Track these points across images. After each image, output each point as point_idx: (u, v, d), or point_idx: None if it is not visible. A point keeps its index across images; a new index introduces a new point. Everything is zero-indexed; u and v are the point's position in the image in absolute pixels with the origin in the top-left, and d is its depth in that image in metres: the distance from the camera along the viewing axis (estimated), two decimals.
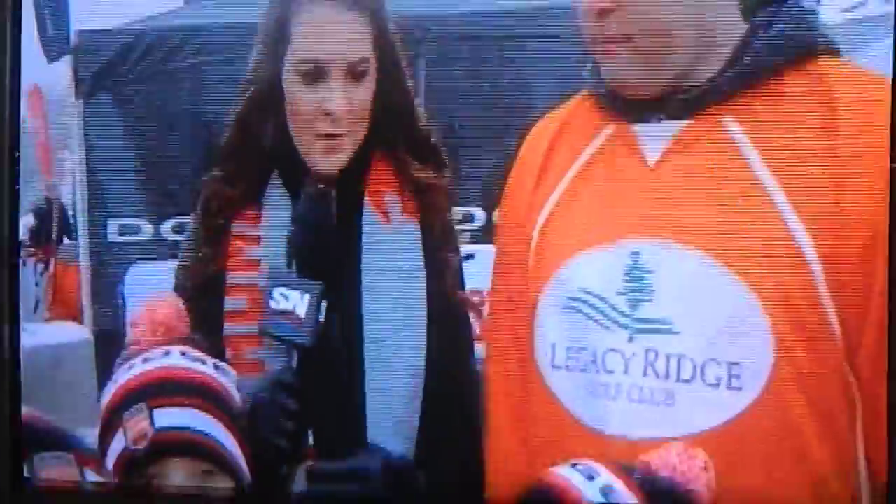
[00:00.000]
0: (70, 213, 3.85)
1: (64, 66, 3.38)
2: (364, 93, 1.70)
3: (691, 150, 1.51)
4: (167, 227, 3.10)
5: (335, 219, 1.71)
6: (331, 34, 1.67)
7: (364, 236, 1.73)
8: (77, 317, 3.33)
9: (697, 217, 1.49)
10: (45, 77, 3.71)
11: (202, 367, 1.51)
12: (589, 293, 1.54)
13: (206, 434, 1.46)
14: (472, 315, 1.78)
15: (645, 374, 1.49)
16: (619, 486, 1.39)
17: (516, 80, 2.00)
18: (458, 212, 2.27)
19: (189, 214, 3.03)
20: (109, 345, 3.04)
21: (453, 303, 1.76)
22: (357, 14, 1.70)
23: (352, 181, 1.72)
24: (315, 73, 1.69)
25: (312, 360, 1.63)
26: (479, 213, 2.22)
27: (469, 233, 2.26)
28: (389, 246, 1.74)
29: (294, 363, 1.63)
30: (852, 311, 1.41)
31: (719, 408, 1.44)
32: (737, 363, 1.44)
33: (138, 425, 1.43)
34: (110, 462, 1.44)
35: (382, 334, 1.70)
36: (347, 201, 1.72)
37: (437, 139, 1.79)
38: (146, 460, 1.43)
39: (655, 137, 1.53)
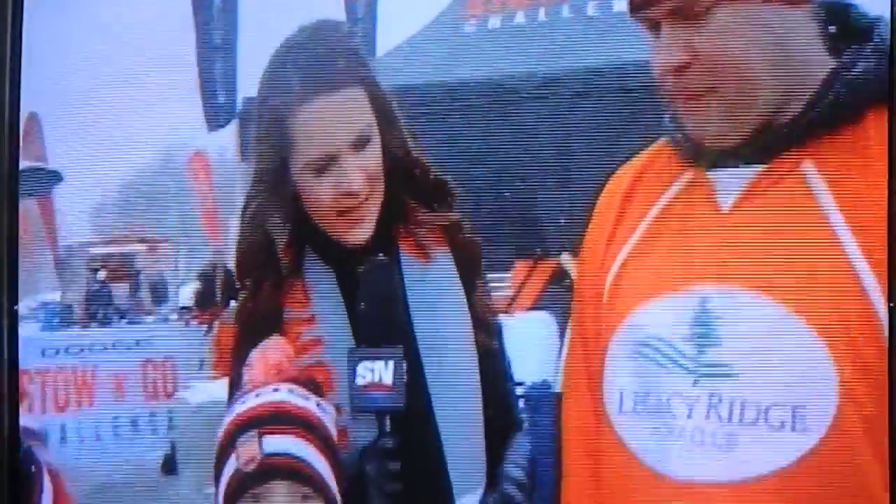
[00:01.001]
0: (229, 274, 4.15)
1: (229, 133, 3.66)
2: (372, 154, 1.76)
3: (766, 195, 1.52)
4: None
5: (401, 284, 1.79)
6: (331, 121, 1.71)
7: (406, 280, 1.80)
8: None
9: (766, 263, 1.49)
10: (210, 144, 4.01)
11: (306, 403, 1.65)
12: (657, 339, 1.55)
13: (307, 461, 1.60)
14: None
15: (707, 418, 1.49)
16: None
17: (594, 132, 2.08)
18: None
19: None
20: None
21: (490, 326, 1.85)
22: (350, 88, 1.75)
23: (384, 237, 1.80)
24: (325, 163, 1.73)
25: (402, 421, 1.72)
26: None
27: None
28: (432, 279, 1.82)
29: (388, 427, 1.70)
30: None
31: (784, 450, 1.43)
32: (802, 406, 1.43)
33: (249, 450, 1.58)
34: (223, 483, 1.59)
35: (441, 372, 1.78)
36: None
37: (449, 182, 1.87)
38: (253, 481, 1.57)
39: (731, 182, 1.55)
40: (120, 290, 4.55)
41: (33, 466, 1.73)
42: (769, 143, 1.51)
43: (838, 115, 1.48)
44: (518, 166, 2.56)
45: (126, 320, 4.29)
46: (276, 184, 1.77)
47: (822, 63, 1.51)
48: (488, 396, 1.80)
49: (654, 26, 1.52)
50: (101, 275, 4.44)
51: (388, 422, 1.69)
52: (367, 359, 1.69)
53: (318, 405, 1.67)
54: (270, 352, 1.72)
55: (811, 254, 1.46)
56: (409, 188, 1.82)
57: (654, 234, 1.62)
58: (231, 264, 4.22)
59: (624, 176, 1.71)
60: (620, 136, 1.97)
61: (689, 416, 1.50)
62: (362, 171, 1.73)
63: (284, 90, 1.71)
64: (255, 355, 1.72)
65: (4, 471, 1.73)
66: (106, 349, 3.80)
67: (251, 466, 1.57)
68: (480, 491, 1.77)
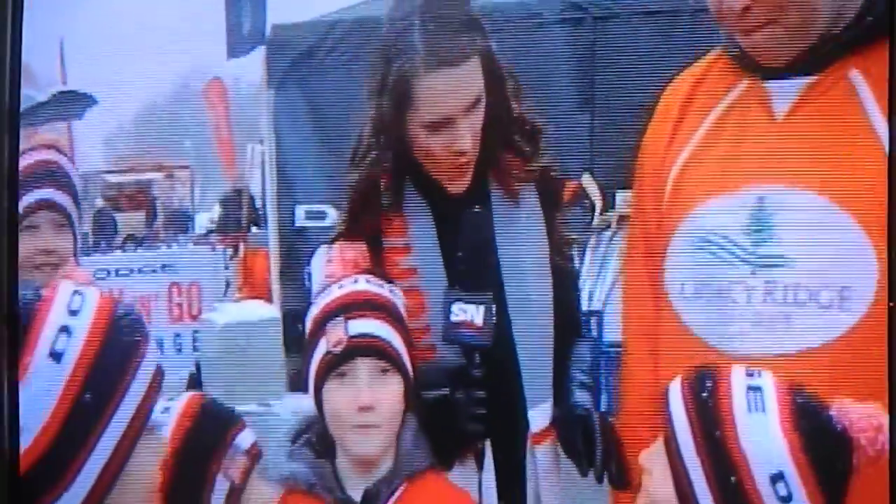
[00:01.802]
0: (258, 201, 4.34)
1: (252, 60, 3.81)
2: (479, 117, 1.99)
3: (817, 103, 1.76)
4: None
5: (492, 230, 2.04)
6: (451, 91, 1.91)
7: (496, 222, 2.06)
8: (266, 297, 3.77)
9: (816, 164, 1.74)
10: (226, 71, 4.14)
11: (381, 290, 1.94)
12: (717, 234, 1.81)
13: (385, 339, 1.89)
14: None
15: (764, 302, 1.75)
16: (770, 392, 1.57)
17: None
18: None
19: None
20: (297, 321, 3.45)
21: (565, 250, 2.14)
22: (468, 62, 1.95)
23: (480, 184, 2.06)
24: (440, 124, 1.95)
25: (489, 355, 1.99)
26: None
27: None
28: (518, 217, 2.08)
29: (476, 360, 1.97)
30: None
31: (832, 327, 1.69)
32: (847, 288, 1.69)
33: (336, 334, 1.86)
34: (313, 366, 1.88)
35: (522, 300, 2.05)
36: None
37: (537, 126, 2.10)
38: (340, 361, 1.86)
39: (785, 92, 1.78)
40: (136, 218, 4.70)
41: None
42: (820, 55, 1.75)
43: (881, 28, 1.71)
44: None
45: (143, 248, 4.44)
46: (390, 134, 1.99)
47: None
48: (559, 315, 2.08)
49: None
50: (99, 202, 4.56)
51: (476, 356, 1.96)
52: (462, 300, 1.95)
53: (391, 291, 1.96)
54: (347, 250, 2.02)
55: (856, 155, 1.71)
56: (504, 139, 2.05)
57: (713, 137, 1.86)
58: (253, 189, 4.43)
59: (683, 82, 1.95)
60: (674, 49, 2.18)
61: (748, 302, 1.76)
62: (472, 131, 1.96)
63: (410, 55, 1.91)
64: (334, 253, 2.03)
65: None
66: (132, 273, 3.95)
67: (339, 348, 1.85)
68: (550, 401, 2.07)
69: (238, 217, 4.37)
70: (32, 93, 3.25)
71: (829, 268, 1.70)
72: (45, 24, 2.09)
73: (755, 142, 1.80)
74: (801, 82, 1.77)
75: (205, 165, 4.58)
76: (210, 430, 1.69)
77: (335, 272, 1.99)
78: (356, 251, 2.01)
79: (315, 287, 2.05)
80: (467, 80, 1.94)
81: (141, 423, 1.46)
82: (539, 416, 2.05)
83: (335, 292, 1.91)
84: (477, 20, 1.98)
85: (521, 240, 2.06)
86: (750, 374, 1.60)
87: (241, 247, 4.24)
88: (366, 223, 2.05)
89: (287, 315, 3.38)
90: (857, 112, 1.71)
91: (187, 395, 1.74)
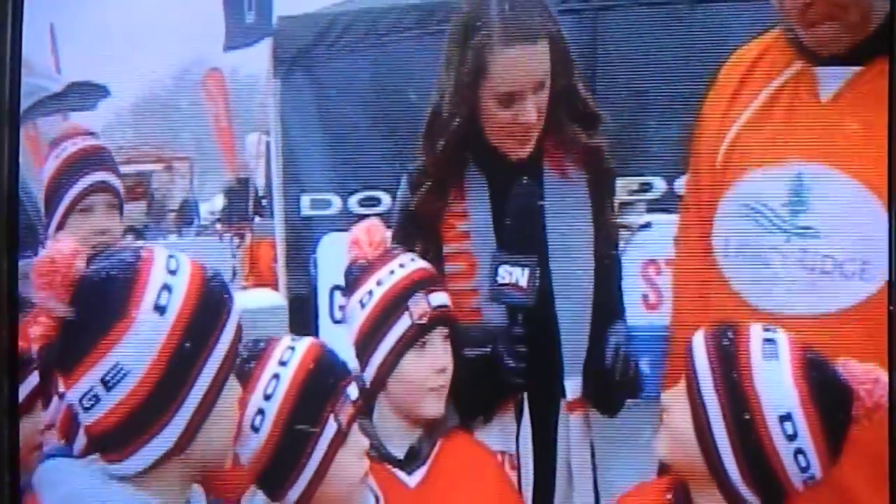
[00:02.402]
0: (262, 190, 4.47)
1: (255, 51, 3.93)
2: (545, 96, 2.18)
3: (860, 92, 2.00)
4: (354, 200, 3.63)
5: (542, 206, 2.23)
6: (523, 69, 2.12)
7: (546, 196, 2.25)
8: (272, 284, 3.90)
9: (852, 147, 1.99)
10: (225, 62, 4.25)
11: (427, 264, 2.20)
12: (759, 201, 2.06)
13: (450, 308, 2.16)
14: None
15: (795, 266, 2.01)
16: (783, 344, 1.82)
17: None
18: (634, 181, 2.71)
19: (376, 189, 3.56)
20: (303, 308, 3.58)
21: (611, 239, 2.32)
22: (539, 43, 2.15)
23: (538, 155, 2.25)
24: (510, 98, 2.15)
25: (532, 316, 2.18)
26: (659, 182, 2.63)
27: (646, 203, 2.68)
28: (568, 196, 2.27)
29: (519, 319, 2.17)
30: None
31: (852, 293, 1.96)
32: (868, 262, 1.95)
33: (421, 307, 2.10)
34: (391, 341, 2.10)
35: (565, 274, 2.25)
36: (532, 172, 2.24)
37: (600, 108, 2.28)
38: (424, 331, 2.10)
39: (832, 79, 2.03)
40: (137, 210, 4.81)
41: None
42: (867, 48, 2.00)
43: None
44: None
45: (145, 240, 4.55)
46: (465, 103, 2.18)
47: None
48: (598, 295, 2.26)
49: None
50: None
51: (519, 315, 2.16)
52: (508, 263, 2.16)
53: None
54: (373, 230, 2.22)
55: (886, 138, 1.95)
56: (567, 116, 2.23)
57: (764, 113, 2.11)
58: (257, 179, 4.55)
59: (742, 58, 2.19)
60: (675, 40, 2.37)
61: (782, 265, 2.02)
62: (538, 107, 2.15)
63: (489, 30, 2.12)
64: (359, 235, 2.21)
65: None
66: None
67: (424, 319, 2.09)
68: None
69: (242, 207, 4.52)
70: (47, 83, 3.40)
71: (854, 243, 1.96)
72: (43, 15, 2.24)
73: (800, 121, 2.06)
74: (848, 71, 2.02)
75: (205, 156, 4.70)
76: (329, 374, 1.90)
77: (362, 253, 2.19)
78: (381, 231, 2.22)
79: (344, 269, 2.23)
80: (537, 60, 2.14)
81: (227, 371, 1.63)
82: (574, 385, 2.24)
83: (399, 271, 2.14)
84: (546, 6, 2.18)
85: (568, 215, 2.25)
86: (767, 329, 1.84)
87: (248, 236, 4.39)
88: (438, 191, 2.26)
89: (293, 302, 3.54)
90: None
91: (309, 341, 1.94)
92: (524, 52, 2.13)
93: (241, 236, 4.40)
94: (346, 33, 3.72)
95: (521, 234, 2.19)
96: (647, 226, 2.50)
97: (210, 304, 1.61)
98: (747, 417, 1.77)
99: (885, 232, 1.92)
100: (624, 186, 2.46)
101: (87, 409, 1.57)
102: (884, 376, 1.78)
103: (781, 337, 1.82)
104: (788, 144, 2.05)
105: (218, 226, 4.59)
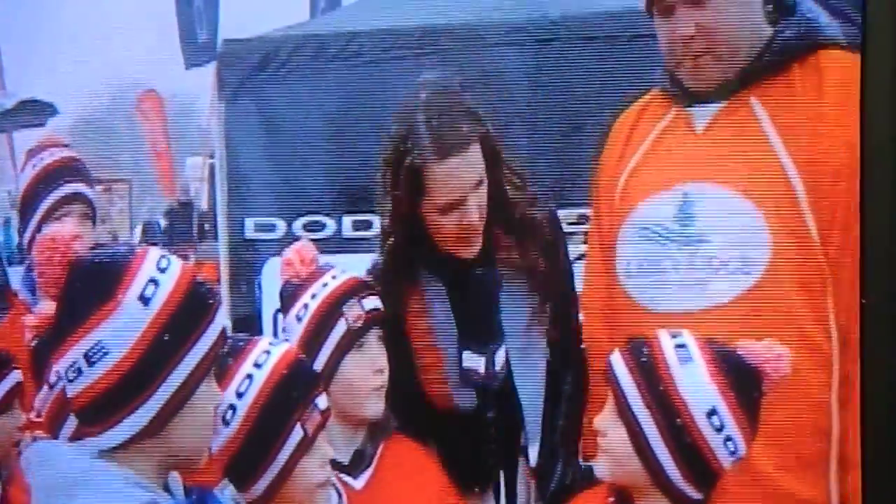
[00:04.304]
0: (205, 213, 4.66)
1: (198, 73, 4.11)
2: (484, 192, 2.44)
3: (727, 122, 2.56)
4: (299, 224, 3.85)
5: (499, 291, 2.53)
6: (460, 175, 2.40)
7: (500, 286, 2.56)
8: None
9: (727, 166, 2.53)
10: (162, 83, 4.39)
11: (356, 274, 2.52)
12: (653, 222, 2.58)
13: (382, 311, 2.47)
14: None
15: (687, 269, 2.52)
16: (692, 345, 2.14)
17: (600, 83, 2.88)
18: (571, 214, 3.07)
19: (321, 213, 3.79)
20: (246, 329, 3.76)
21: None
22: (472, 145, 2.40)
23: (487, 252, 2.53)
24: (451, 206, 2.41)
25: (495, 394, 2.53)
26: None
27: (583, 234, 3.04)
28: (515, 292, 2.58)
29: (488, 402, 2.53)
30: (824, 220, 2.45)
31: (737, 285, 2.48)
32: (747, 257, 2.47)
33: (356, 312, 2.40)
34: (331, 346, 2.38)
35: (521, 350, 2.58)
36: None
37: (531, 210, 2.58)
38: (360, 334, 2.40)
39: (703, 114, 2.59)
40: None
41: None
42: (729, 85, 2.55)
43: (773, 67, 2.52)
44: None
45: None
46: (408, 221, 2.46)
47: (764, 29, 2.55)
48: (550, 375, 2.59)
49: (668, 10, 2.50)
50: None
51: (487, 398, 2.51)
52: (469, 349, 2.49)
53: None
54: (303, 250, 2.53)
55: (757, 159, 2.50)
56: (503, 221, 2.52)
57: (652, 152, 2.65)
58: (201, 202, 4.74)
59: (629, 114, 2.74)
60: (618, 86, 2.76)
61: (675, 270, 2.54)
62: (479, 206, 2.42)
63: (420, 149, 2.36)
64: (291, 256, 2.51)
65: None
66: None
67: (360, 323, 2.39)
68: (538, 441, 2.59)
69: (185, 229, 4.74)
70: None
71: (735, 243, 2.48)
72: None
73: (681, 151, 2.61)
74: (715, 106, 2.58)
75: (144, 179, 4.87)
76: (299, 383, 2.14)
77: (295, 271, 2.49)
78: (312, 251, 2.53)
79: (279, 289, 2.53)
80: (472, 163, 2.40)
81: (204, 372, 1.81)
82: (533, 452, 2.58)
83: (332, 282, 2.44)
84: (473, 111, 2.43)
85: (519, 311, 2.56)
86: (674, 336, 2.17)
87: (191, 258, 4.60)
88: (391, 296, 2.51)
89: (237, 323, 3.71)
90: (757, 129, 2.52)
91: (285, 347, 2.18)
92: (459, 160, 2.37)
93: (185, 258, 4.58)
94: (293, 58, 3.89)
95: (478, 322, 2.51)
96: (581, 258, 2.84)
97: (194, 304, 1.81)
98: (679, 422, 2.07)
99: (762, 229, 2.46)
100: (563, 219, 2.78)
101: (70, 381, 1.77)
102: (781, 349, 2.14)
103: (689, 339, 2.15)
104: (674, 172, 2.58)
105: (160, 247, 4.75)
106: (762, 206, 2.47)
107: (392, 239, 2.50)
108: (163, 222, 4.87)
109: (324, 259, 2.54)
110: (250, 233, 3.93)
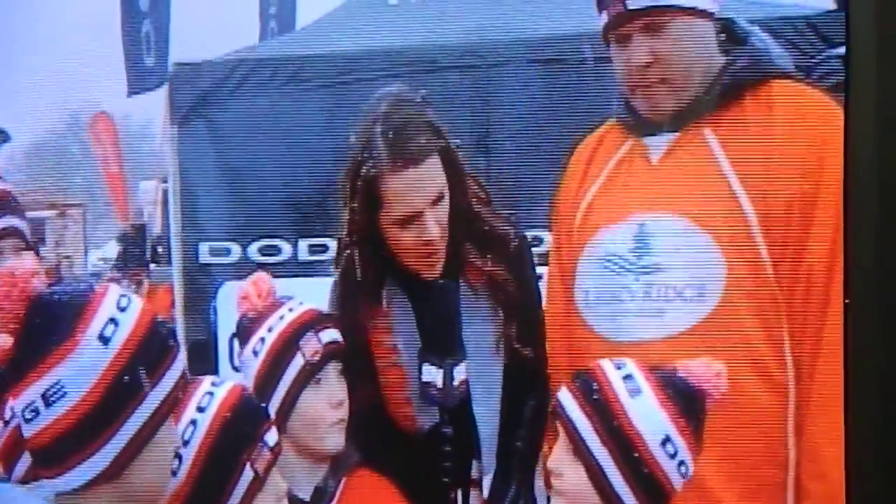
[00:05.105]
0: (158, 237, 4.64)
1: (150, 97, 4.09)
2: (444, 208, 2.40)
3: (681, 152, 2.58)
4: (254, 248, 3.83)
5: (458, 304, 2.49)
6: (416, 188, 2.36)
7: (462, 301, 2.52)
8: None
9: (682, 196, 2.55)
10: (115, 106, 4.38)
11: (319, 306, 2.48)
12: (610, 252, 2.60)
13: (341, 343, 2.43)
14: None
15: (644, 299, 2.55)
16: (638, 375, 2.12)
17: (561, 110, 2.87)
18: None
19: (276, 237, 3.78)
20: (201, 354, 3.75)
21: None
22: (430, 158, 2.36)
23: (452, 269, 2.49)
24: (410, 218, 2.36)
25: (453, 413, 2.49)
26: (548, 237, 2.98)
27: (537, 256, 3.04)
28: (478, 308, 2.54)
29: (446, 419, 2.48)
30: (777, 249, 2.47)
31: (693, 314, 2.51)
32: (703, 285, 2.51)
33: (313, 346, 2.36)
34: (288, 381, 2.33)
35: (482, 372, 2.53)
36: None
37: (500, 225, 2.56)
38: (317, 368, 2.36)
39: (658, 144, 2.61)
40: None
41: None
42: (683, 116, 2.57)
43: (725, 97, 2.55)
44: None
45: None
46: (366, 233, 2.42)
47: (717, 59, 2.58)
48: (504, 400, 2.55)
49: (624, 38, 2.52)
50: None
51: (445, 415, 2.47)
52: (428, 362, 2.45)
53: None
54: (259, 282, 2.48)
55: (711, 189, 2.52)
56: (468, 235, 2.48)
57: (609, 183, 2.67)
58: (154, 225, 4.72)
59: (587, 144, 2.76)
60: (574, 107, 2.76)
61: (632, 300, 2.56)
62: (438, 223, 2.37)
63: (377, 160, 2.32)
64: (247, 289, 2.47)
65: None
66: None
67: (317, 357, 2.35)
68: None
69: (138, 253, 4.71)
70: None
71: (691, 272, 2.51)
72: None
73: (638, 182, 2.62)
74: (669, 137, 2.60)
75: (97, 203, 4.84)
76: (246, 422, 2.06)
77: (252, 304, 2.45)
78: (269, 283, 2.50)
79: (234, 320, 2.50)
80: (430, 175, 2.35)
81: (164, 416, 1.79)
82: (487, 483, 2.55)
83: (288, 315, 2.40)
84: (433, 124, 2.39)
85: (481, 327, 2.52)
86: (619, 367, 2.16)
87: (144, 282, 4.59)
88: (351, 314, 2.50)
89: (192, 348, 3.69)
90: (711, 158, 2.54)
91: (228, 387, 2.10)
92: (415, 172, 2.33)
93: (138, 283, 4.60)
94: (246, 82, 3.88)
95: (437, 334, 2.47)
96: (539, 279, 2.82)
97: (154, 346, 1.78)
98: (636, 455, 2.07)
99: (717, 259, 2.50)
100: None
101: (27, 421, 1.74)
102: (719, 365, 2.15)
103: (634, 369, 2.15)
104: (631, 203, 2.61)
105: (113, 272, 4.77)
106: (716, 236, 2.50)
107: (348, 252, 2.46)
108: (115, 247, 4.84)
109: (279, 283, 2.51)
110: (205, 257, 3.90)
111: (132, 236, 4.78)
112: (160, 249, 4.63)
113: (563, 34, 3.56)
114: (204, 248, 3.90)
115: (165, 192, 4.25)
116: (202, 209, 3.91)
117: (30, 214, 4.81)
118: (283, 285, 2.75)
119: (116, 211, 4.95)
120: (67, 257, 4.95)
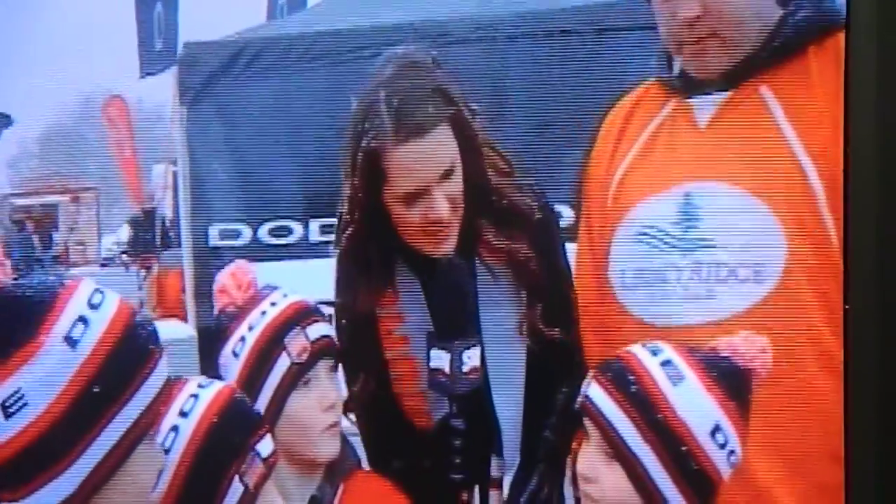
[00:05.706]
0: (169, 221, 4.61)
1: (160, 80, 4.04)
2: (456, 181, 2.17)
3: (734, 114, 2.30)
4: (265, 230, 3.76)
5: (472, 284, 2.26)
6: (423, 161, 2.12)
7: (477, 281, 2.28)
8: (180, 315, 4.02)
9: (735, 164, 2.27)
10: (128, 90, 4.35)
11: (305, 297, 2.22)
12: (652, 227, 2.33)
13: (333, 338, 2.19)
14: None
15: (691, 279, 2.28)
16: (678, 360, 1.92)
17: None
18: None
19: (287, 218, 3.71)
20: (212, 339, 3.69)
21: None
22: (439, 127, 2.13)
23: (465, 249, 2.25)
24: (415, 195, 2.13)
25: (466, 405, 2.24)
26: (567, 211, 2.87)
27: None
28: (496, 288, 2.30)
29: (455, 410, 2.22)
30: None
31: (747, 297, 2.24)
32: (761, 265, 2.23)
33: (299, 343, 2.11)
34: (274, 383, 2.09)
35: (497, 363, 2.30)
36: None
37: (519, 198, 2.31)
38: (306, 368, 2.11)
39: (706, 106, 2.33)
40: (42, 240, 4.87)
41: None
42: (736, 73, 2.30)
43: (785, 51, 2.27)
44: None
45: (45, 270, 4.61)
46: (369, 210, 2.19)
47: (774, 9, 2.29)
48: (530, 388, 2.32)
49: None
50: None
51: (454, 406, 2.22)
52: (436, 347, 2.20)
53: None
54: (238, 273, 2.25)
55: (769, 155, 2.24)
56: (485, 210, 2.25)
57: (649, 147, 2.40)
58: (165, 209, 4.69)
59: (622, 107, 2.48)
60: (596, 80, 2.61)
61: (678, 280, 2.29)
62: (448, 198, 2.14)
63: (379, 130, 2.10)
64: (224, 281, 2.26)
65: None
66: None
67: (305, 356, 2.11)
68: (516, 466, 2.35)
69: (149, 237, 4.65)
70: None
71: (745, 249, 2.25)
72: None
73: (682, 148, 2.35)
74: (719, 97, 2.32)
75: (111, 187, 4.80)
76: (235, 430, 1.82)
77: (231, 298, 2.22)
78: (249, 273, 2.27)
79: (214, 318, 2.27)
80: (439, 147, 2.13)
81: (142, 431, 1.58)
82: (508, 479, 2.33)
83: (271, 310, 2.16)
84: (443, 89, 2.16)
85: (498, 308, 2.29)
86: (654, 353, 1.95)
87: (155, 266, 4.52)
88: (359, 299, 2.28)
89: (203, 332, 3.51)
90: (769, 120, 2.26)
91: (215, 389, 1.86)
92: (420, 145, 2.12)
93: (148, 267, 4.53)
94: (255, 61, 3.83)
95: (446, 315, 2.24)
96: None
97: (131, 350, 1.58)
98: (685, 449, 1.87)
99: (776, 232, 2.22)
100: None
101: None
102: (760, 339, 1.97)
103: (673, 354, 1.95)
104: (674, 171, 2.33)
105: (124, 257, 4.72)
106: (775, 206, 2.23)
107: (350, 229, 2.24)
108: (127, 231, 4.77)
109: (292, 266, 2.36)
110: (215, 240, 3.85)
111: (143, 220, 4.72)
112: (171, 234, 4.57)
113: (577, 4, 3.44)
114: (214, 231, 3.86)
115: (175, 175, 4.22)
116: (212, 191, 3.88)
117: (43, 199, 4.87)
118: (295, 267, 2.64)
119: (130, 195, 4.90)
120: (80, 243, 4.90)
